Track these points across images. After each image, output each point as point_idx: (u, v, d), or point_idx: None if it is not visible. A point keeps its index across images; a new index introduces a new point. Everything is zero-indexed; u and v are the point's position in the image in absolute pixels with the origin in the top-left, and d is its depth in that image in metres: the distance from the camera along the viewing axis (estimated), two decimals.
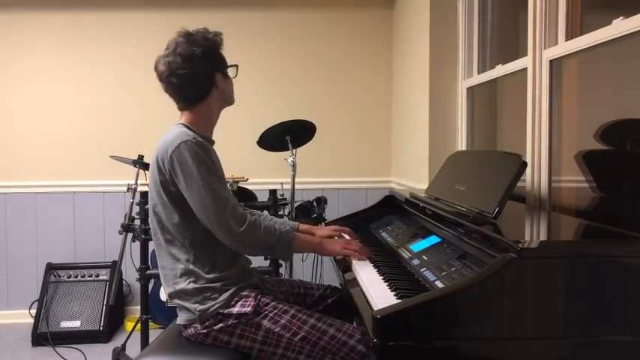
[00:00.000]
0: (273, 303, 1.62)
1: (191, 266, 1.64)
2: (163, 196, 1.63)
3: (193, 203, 1.59)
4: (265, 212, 2.03)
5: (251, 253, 1.75)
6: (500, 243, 1.26)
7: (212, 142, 1.78)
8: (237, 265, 1.69)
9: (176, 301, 1.67)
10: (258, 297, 1.63)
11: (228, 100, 1.83)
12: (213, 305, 1.61)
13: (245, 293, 1.64)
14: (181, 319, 1.67)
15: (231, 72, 1.82)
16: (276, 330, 1.57)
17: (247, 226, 1.59)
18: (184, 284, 1.64)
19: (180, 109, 1.78)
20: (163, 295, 3.31)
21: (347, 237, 1.97)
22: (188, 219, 1.62)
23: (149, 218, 1.73)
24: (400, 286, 1.42)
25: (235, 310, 1.61)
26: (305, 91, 3.70)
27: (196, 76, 1.70)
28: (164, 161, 1.61)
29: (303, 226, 2.02)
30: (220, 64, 1.78)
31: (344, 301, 1.81)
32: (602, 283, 1.17)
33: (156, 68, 1.72)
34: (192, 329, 1.64)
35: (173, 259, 1.66)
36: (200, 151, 1.59)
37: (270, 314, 1.60)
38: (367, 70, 3.75)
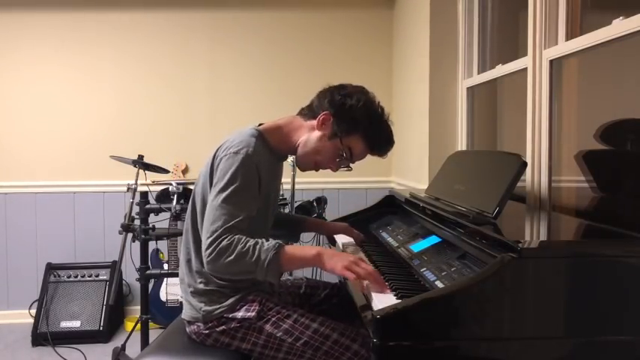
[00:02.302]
0: (276, 307, 1.61)
1: (204, 269, 1.61)
2: (207, 187, 1.61)
3: (208, 205, 1.55)
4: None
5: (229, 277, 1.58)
6: (500, 243, 1.26)
7: (282, 158, 1.74)
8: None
9: (184, 291, 1.68)
10: (263, 301, 1.62)
11: (305, 155, 1.66)
12: (219, 308, 1.61)
13: (250, 297, 1.62)
14: (185, 314, 1.67)
15: (344, 158, 1.66)
16: (278, 335, 1.56)
17: (214, 256, 1.45)
18: (196, 282, 1.64)
19: (299, 114, 1.71)
20: (163, 295, 3.32)
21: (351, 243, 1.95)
22: None
23: (189, 200, 1.69)
24: (400, 286, 1.42)
25: (239, 314, 1.60)
26: (306, 90, 3.67)
27: (347, 111, 1.62)
28: (218, 155, 1.58)
29: (311, 220, 2.00)
30: (357, 139, 1.64)
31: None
32: (602, 283, 1.17)
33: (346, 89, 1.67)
34: (194, 327, 1.64)
35: (192, 253, 1.66)
36: (247, 168, 1.53)
37: (273, 318, 1.58)
38: (367, 70, 3.75)
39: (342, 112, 1.62)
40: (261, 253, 1.45)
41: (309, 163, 1.70)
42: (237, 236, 1.47)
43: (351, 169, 1.71)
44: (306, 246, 1.76)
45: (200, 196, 1.64)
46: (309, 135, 1.66)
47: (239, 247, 1.45)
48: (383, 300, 1.31)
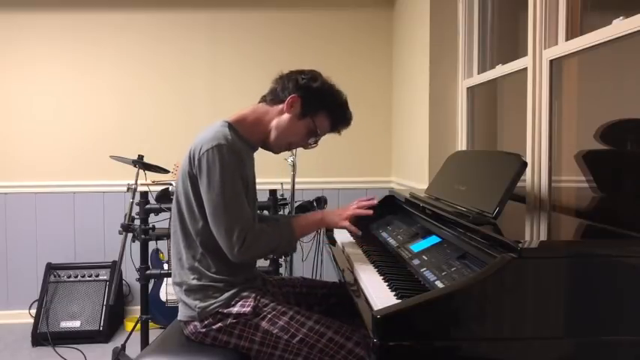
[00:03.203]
0: (272, 304, 1.62)
1: (196, 264, 1.65)
2: (188, 187, 1.64)
3: (208, 209, 1.59)
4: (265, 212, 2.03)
5: (253, 261, 1.79)
6: (500, 243, 1.26)
7: (254, 148, 1.78)
8: (242, 271, 1.69)
9: (178, 292, 1.69)
10: (258, 298, 1.63)
11: (278, 138, 1.74)
12: (214, 304, 1.62)
13: (245, 294, 1.64)
14: (182, 314, 1.68)
15: (315, 135, 1.77)
16: (274, 331, 1.58)
17: (245, 246, 1.58)
18: (189, 278, 1.66)
19: (262, 101, 1.78)
20: (163, 295, 3.32)
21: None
22: (204, 218, 1.62)
23: (172, 201, 1.74)
24: (400, 286, 1.42)
25: (235, 310, 1.61)
26: None
27: (313, 91, 1.71)
28: (195, 156, 1.61)
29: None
30: (323, 118, 1.74)
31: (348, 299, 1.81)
32: (602, 283, 1.17)
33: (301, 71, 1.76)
34: (192, 327, 1.65)
35: (183, 250, 1.68)
36: (232, 157, 1.58)
37: (269, 315, 1.60)
38: (367, 70, 3.75)
39: (308, 93, 1.71)
40: (282, 234, 1.69)
41: (282, 144, 1.78)
42: (256, 227, 1.62)
43: (317, 146, 1.83)
44: (310, 214, 1.90)
45: (183, 195, 1.67)
46: (279, 118, 1.73)
47: (263, 236, 1.63)
48: (382, 299, 1.31)
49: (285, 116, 1.71)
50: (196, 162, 1.60)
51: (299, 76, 1.72)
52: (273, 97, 1.74)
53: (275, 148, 1.79)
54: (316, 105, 1.72)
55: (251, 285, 1.70)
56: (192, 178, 1.62)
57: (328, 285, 1.95)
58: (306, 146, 1.81)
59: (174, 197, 1.73)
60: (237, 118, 1.73)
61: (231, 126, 1.68)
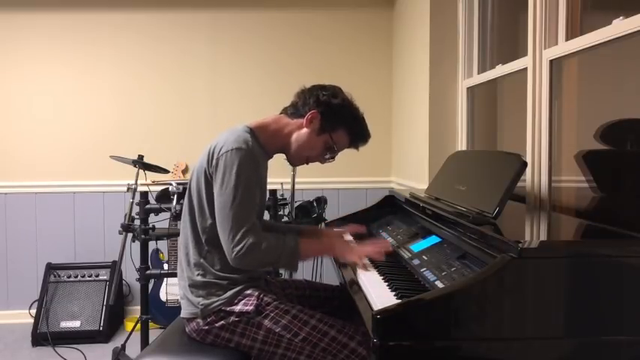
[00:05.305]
0: (275, 303, 1.63)
1: (202, 260, 1.67)
2: (202, 184, 1.66)
3: (217, 209, 1.61)
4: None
5: (253, 270, 1.72)
6: (500, 243, 1.26)
7: (270, 156, 1.80)
8: (246, 270, 1.69)
9: (182, 287, 1.70)
10: (261, 296, 1.63)
11: (297, 151, 1.77)
12: (217, 301, 1.63)
13: (248, 292, 1.65)
14: (185, 311, 1.69)
15: (332, 151, 1.79)
16: (277, 330, 1.58)
17: (244, 252, 1.56)
18: (194, 274, 1.67)
19: (284, 113, 1.81)
20: (163, 295, 3.31)
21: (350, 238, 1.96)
22: (213, 216, 1.64)
23: (185, 195, 1.75)
24: (400, 286, 1.42)
25: (237, 308, 1.62)
26: None
27: (333, 108, 1.74)
28: (214, 155, 1.63)
29: (306, 230, 2.02)
30: (342, 134, 1.78)
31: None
32: (602, 283, 1.18)
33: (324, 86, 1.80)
34: (194, 324, 1.65)
35: (190, 246, 1.69)
36: (250, 163, 1.60)
37: (272, 314, 1.60)
38: (367, 70, 3.75)
39: (328, 110, 1.75)
40: (284, 248, 1.62)
41: (301, 158, 1.81)
42: (260, 234, 1.59)
43: (334, 160, 1.85)
44: (317, 240, 1.88)
45: (196, 191, 1.69)
46: (298, 133, 1.76)
47: (264, 243, 1.58)
48: (382, 299, 1.31)
49: (304, 131, 1.75)
50: (214, 162, 1.62)
51: (320, 91, 1.76)
52: (294, 111, 1.77)
53: (294, 161, 1.83)
54: (335, 121, 1.75)
55: (254, 284, 1.70)
56: (207, 177, 1.65)
57: (331, 288, 1.96)
58: (322, 161, 1.83)
59: (186, 193, 1.74)
60: (258, 125, 1.75)
61: (252, 132, 1.71)
